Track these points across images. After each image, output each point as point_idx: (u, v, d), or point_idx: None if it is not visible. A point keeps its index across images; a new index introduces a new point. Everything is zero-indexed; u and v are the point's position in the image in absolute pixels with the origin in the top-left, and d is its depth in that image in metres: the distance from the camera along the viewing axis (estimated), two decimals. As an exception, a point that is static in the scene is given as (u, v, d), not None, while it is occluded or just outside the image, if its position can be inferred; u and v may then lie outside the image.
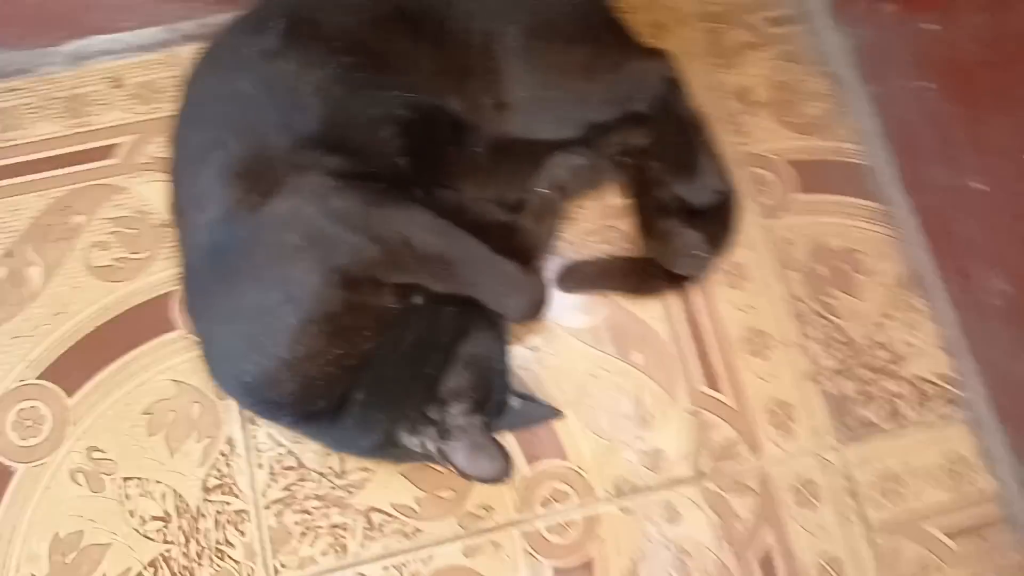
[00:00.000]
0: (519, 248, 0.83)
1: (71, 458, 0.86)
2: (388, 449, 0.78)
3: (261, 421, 0.87)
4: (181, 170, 0.82)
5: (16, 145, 0.95)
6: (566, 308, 0.91)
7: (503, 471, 0.75)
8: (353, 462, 0.86)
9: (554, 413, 0.87)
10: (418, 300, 0.77)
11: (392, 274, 0.74)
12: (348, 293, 0.72)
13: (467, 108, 0.81)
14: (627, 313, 0.91)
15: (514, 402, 0.84)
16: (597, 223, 0.94)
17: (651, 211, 0.90)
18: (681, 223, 0.87)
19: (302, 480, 0.85)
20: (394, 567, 0.84)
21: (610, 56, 0.86)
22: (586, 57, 0.83)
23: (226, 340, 0.76)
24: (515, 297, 0.79)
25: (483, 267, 0.77)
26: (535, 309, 0.81)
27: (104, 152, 0.94)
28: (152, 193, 0.92)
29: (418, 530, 0.85)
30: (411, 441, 0.77)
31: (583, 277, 0.91)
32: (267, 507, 0.85)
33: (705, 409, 0.89)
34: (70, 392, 0.87)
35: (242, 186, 0.75)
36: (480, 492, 0.86)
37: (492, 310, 0.79)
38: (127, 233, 0.92)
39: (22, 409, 0.87)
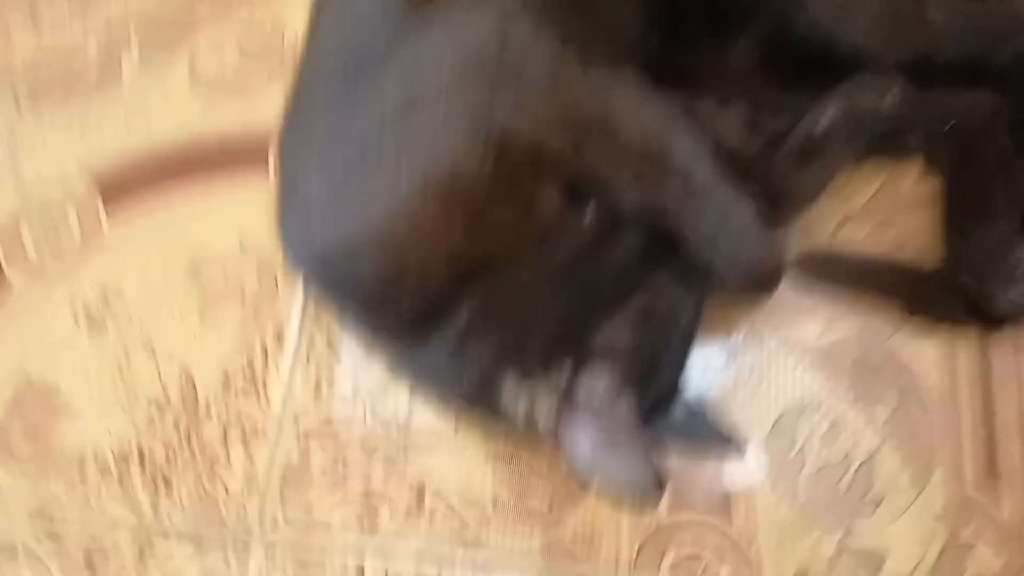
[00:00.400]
0: (762, 194, 0.57)
1: (81, 289, 0.65)
2: (478, 397, 0.52)
3: (326, 318, 0.63)
4: None
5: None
6: (795, 309, 0.61)
7: (639, 484, 0.48)
8: (427, 416, 0.61)
9: (733, 448, 0.58)
10: (588, 215, 0.51)
11: (570, 161, 0.49)
12: (497, 165, 0.47)
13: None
14: (884, 344, 0.60)
15: (680, 410, 0.56)
16: (874, 208, 0.63)
17: (971, 211, 0.59)
18: (1019, 237, 0.59)
19: (349, 416, 0.61)
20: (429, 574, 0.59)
21: None
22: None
23: (312, 181, 0.53)
24: (745, 252, 0.52)
25: (712, 196, 0.51)
26: (766, 279, 0.53)
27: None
28: (299, 8, 0.66)
29: (480, 539, 0.58)
30: (514, 393, 0.50)
31: (834, 272, 0.61)
32: (296, 437, 0.61)
33: (967, 521, 0.57)
34: (112, 212, 0.67)
35: None
36: (586, 515, 0.58)
37: (698, 262, 0.51)
38: (252, 46, 0.71)
39: (54, 217, 0.68)
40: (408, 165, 0.49)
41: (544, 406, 0.49)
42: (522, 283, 0.49)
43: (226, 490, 0.59)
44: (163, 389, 0.62)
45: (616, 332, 0.50)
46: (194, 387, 0.62)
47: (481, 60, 0.50)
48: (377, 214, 0.49)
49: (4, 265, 0.66)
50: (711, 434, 0.57)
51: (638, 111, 0.51)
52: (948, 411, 0.59)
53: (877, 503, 0.57)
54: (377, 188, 0.50)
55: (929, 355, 0.60)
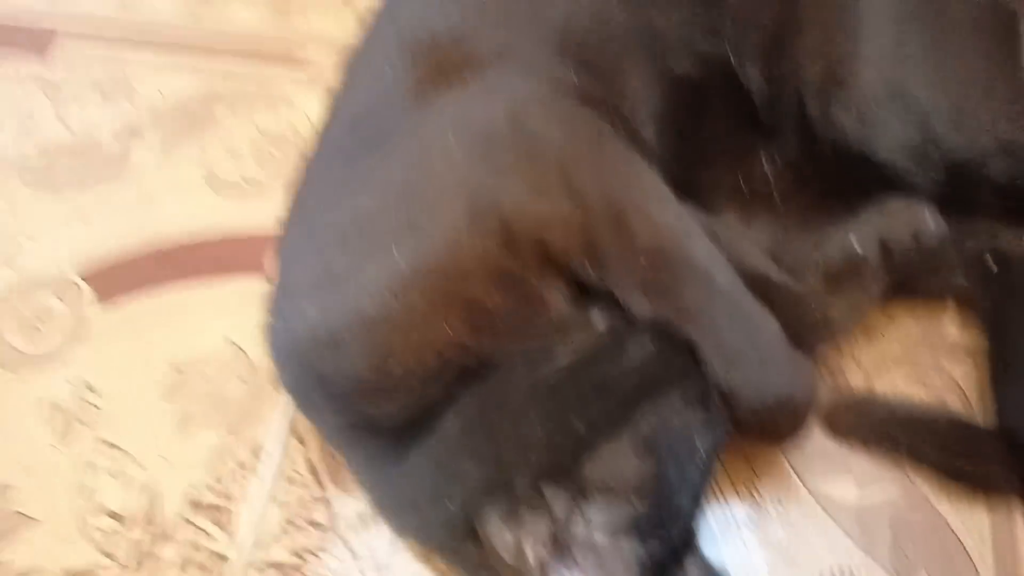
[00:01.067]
0: (789, 322, 0.52)
1: (57, 386, 0.61)
2: (460, 528, 0.45)
3: (308, 435, 0.58)
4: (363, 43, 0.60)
5: (199, 25, 0.78)
6: (828, 464, 0.55)
7: None
8: (406, 549, 0.54)
9: None
10: (596, 319, 0.47)
11: (578, 258, 0.46)
12: (498, 255, 0.44)
13: (774, 82, 0.53)
14: (928, 508, 0.53)
15: (694, 569, 0.48)
16: (913, 353, 0.58)
17: (1016, 360, 0.55)
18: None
19: (322, 549, 0.54)
20: None
21: None
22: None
23: (304, 264, 0.50)
24: (770, 375, 0.47)
25: (733, 309, 0.47)
26: (794, 413, 0.48)
27: (292, 61, 0.75)
28: (315, 113, 0.65)
29: None
30: (500, 525, 0.44)
31: (871, 422, 0.55)
32: (259, 569, 0.54)
33: None
34: (101, 305, 0.64)
35: (429, 65, 0.51)
36: None
37: (716, 386, 0.46)
38: (268, 152, 0.70)
39: (40, 305, 0.65)
40: (405, 247, 0.45)
41: (533, 543, 0.43)
42: (517, 390, 0.45)
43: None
44: (124, 502, 0.56)
45: (618, 460, 0.44)
46: (159, 501, 0.56)
47: (490, 142, 0.48)
48: (366, 298, 0.45)
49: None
50: None
51: (656, 209, 0.48)
52: (1005, 589, 0.52)
53: None
54: (369, 271, 0.46)
55: (979, 525, 0.53)
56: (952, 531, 0.53)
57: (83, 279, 0.65)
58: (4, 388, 0.61)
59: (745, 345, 0.46)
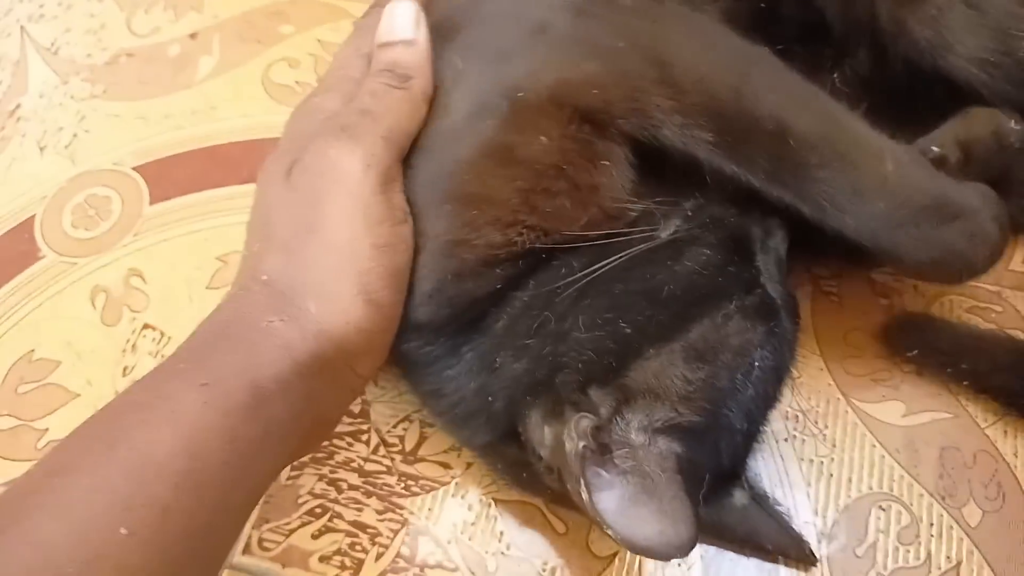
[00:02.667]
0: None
1: (104, 272, 0.63)
2: (496, 431, 0.46)
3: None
4: None
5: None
6: (876, 386, 0.54)
7: (670, 545, 0.40)
8: (441, 439, 0.54)
9: (804, 554, 0.49)
10: (661, 220, 0.46)
11: (664, 119, 0.43)
12: (559, 125, 0.43)
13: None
14: (978, 435, 0.52)
15: (739, 496, 0.48)
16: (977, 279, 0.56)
17: None
18: None
19: (355, 437, 0.55)
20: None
21: None
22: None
23: None
24: (923, 224, 0.44)
25: (834, 146, 0.44)
26: (989, 250, 0.46)
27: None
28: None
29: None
30: (539, 429, 0.43)
31: (931, 342, 0.54)
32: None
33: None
34: (155, 199, 0.66)
35: None
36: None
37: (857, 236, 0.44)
38: (326, 62, 0.71)
39: (95, 195, 0.67)
40: (470, 128, 0.45)
41: (572, 441, 0.42)
42: (567, 288, 0.44)
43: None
44: (164, 381, 0.59)
45: (667, 367, 0.43)
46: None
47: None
48: (434, 169, 0.46)
49: (40, 236, 0.65)
50: (774, 531, 0.49)
51: (705, 57, 0.46)
52: (1056, 525, 0.51)
53: (962, 624, 0.48)
54: (435, 141, 0.47)
55: (1038, 458, 0.52)
56: (1003, 459, 0.52)
57: (138, 173, 0.67)
58: (57, 272, 0.63)
59: (877, 191, 0.44)
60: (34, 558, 0.32)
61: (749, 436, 0.46)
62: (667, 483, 0.40)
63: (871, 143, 0.45)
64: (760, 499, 0.49)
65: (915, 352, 0.54)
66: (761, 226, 0.47)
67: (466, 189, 0.45)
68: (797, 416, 0.53)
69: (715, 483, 0.45)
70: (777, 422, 0.53)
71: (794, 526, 0.50)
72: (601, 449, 0.41)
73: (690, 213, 0.46)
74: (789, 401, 0.54)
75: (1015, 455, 0.52)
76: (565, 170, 0.44)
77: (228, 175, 0.67)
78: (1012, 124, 0.52)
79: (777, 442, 0.52)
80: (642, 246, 0.45)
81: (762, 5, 0.54)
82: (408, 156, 0.47)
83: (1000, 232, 0.47)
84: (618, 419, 0.42)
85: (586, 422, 0.42)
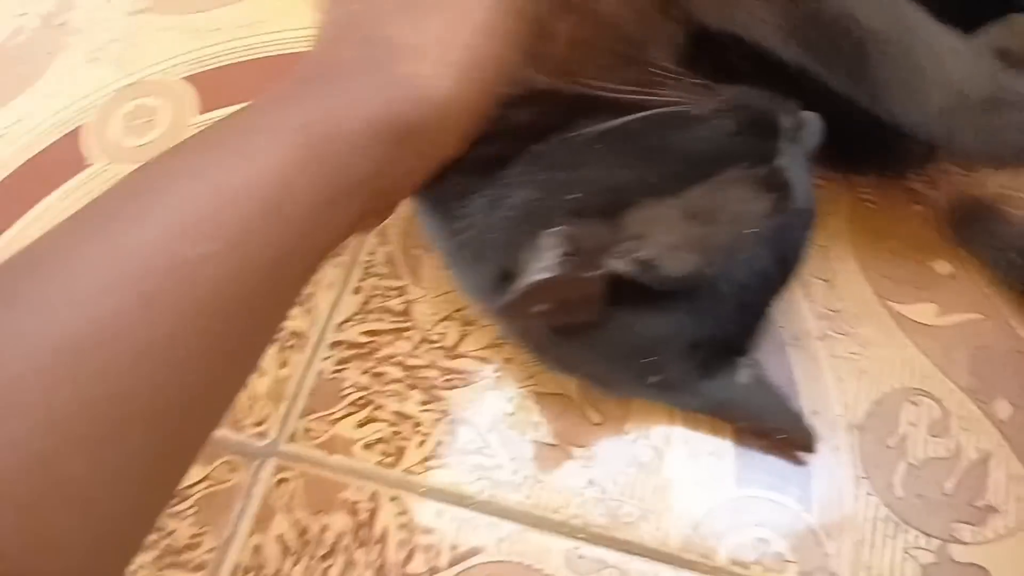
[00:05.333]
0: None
1: (155, 178, 0.67)
2: (497, 282, 0.46)
3: (390, 230, 0.61)
4: None
5: None
6: (910, 287, 0.56)
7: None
8: (481, 336, 0.57)
9: (804, 436, 0.50)
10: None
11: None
12: None
13: None
14: (1012, 335, 0.54)
15: (744, 374, 0.50)
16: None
17: None
18: None
19: (398, 334, 0.58)
20: (452, 518, 0.52)
21: None
22: None
23: None
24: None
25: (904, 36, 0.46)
26: None
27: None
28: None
29: (534, 479, 0.53)
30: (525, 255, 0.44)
31: (989, 230, 0.56)
32: (331, 346, 0.59)
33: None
34: (205, 109, 0.69)
35: None
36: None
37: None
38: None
39: (144, 104, 0.70)
40: None
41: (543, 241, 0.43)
42: (582, 135, 0.46)
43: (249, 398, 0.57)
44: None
45: (663, 220, 0.44)
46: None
47: None
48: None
49: (88, 145, 0.68)
50: (778, 410, 0.51)
51: None
52: (1087, 419, 0.52)
53: (990, 511, 0.50)
54: None
55: (1069, 353, 0.54)
56: (1043, 361, 0.54)
57: (188, 83, 0.70)
58: (107, 179, 0.66)
59: (938, 84, 0.45)
60: (120, 259, 0.32)
61: (746, 310, 0.47)
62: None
63: (935, 37, 0.46)
64: (764, 380, 0.51)
65: (972, 239, 0.55)
66: (794, 118, 0.48)
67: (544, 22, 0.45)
68: (831, 316, 0.55)
69: (716, 354, 0.48)
70: (809, 321, 0.55)
71: (826, 418, 0.52)
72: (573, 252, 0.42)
73: (722, 97, 0.48)
74: (823, 301, 0.56)
75: (1047, 355, 0.54)
76: (635, 43, 0.46)
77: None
78: None
79: (810, 340, 0.54)
80: (664, 109, 0.46)
81: None
82: None
83: None
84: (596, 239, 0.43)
85: (567, 229, 0.43)
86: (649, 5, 0.46)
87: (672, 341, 0.46)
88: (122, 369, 0.30)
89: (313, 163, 0.37)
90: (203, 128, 0.38)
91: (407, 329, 0.58)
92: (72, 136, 0.69)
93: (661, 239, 0.43)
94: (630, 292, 0.44)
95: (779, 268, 0.48)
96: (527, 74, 0.45)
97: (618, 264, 0.43)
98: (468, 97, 0.42)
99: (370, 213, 0.44)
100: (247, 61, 0.70)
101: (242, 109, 0.40)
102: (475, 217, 0.48)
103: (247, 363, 0.39)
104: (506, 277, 0.46)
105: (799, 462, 0.51)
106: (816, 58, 0.46)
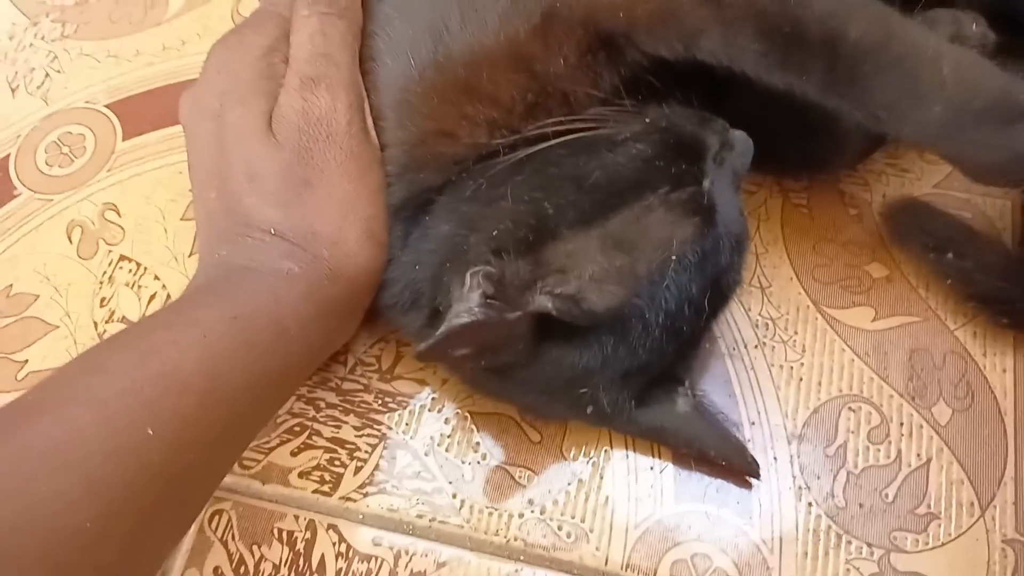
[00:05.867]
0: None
1: (80, 208, 0.64)
2: (423, 308, 0.47)
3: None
4: None
5: None
6: (845, 293, 0.55)
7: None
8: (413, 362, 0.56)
9: (746, 462, 0.50)
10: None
11: (703, 30, 0.44)
12: (535, 42, 0.45)
13: None
14: (949, 337, 0.54)
15: (683, 403, 0.49)
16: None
17: None
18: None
19: (332, 358, 0.56)
20: (391, 545, 0.51)
21: None
22: None
23: None
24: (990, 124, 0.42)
25: (892, 45, 0.43)
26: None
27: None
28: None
29: (474, 501, 0.52)
30: (448, 293, 0.43)
31: (927, 230, 0.55)
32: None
33: (1045, 554, 0.50)
34: (128, 135, 0.67)
35: None
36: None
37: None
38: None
39: (69, 133, 0.68)
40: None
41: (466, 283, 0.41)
42: (509, 159, 0.45)
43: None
44: (140, 310, 0.60)
45: (583, 251, 0.43)
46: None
47: None
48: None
49: (15, 174, 0.66)
50: (721, 441, 0.50)
51: None
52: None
53: (931, 518, 0.49)
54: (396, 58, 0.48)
55: (1005, 352, 0.53)
56: (972, 359, 0.53)
57: (111, 110, 0.68)
58: (33, 209, 0.65)
59: (936, 95, 0.42)
60: (67, 440, 0.34)
61: (678, 337, 0.46)
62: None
63: (926, 46, 0.43)
64: (704, 408, 0.50)
65: (909, 236, 0.55)
66: (721, 138, 0.48)
67: (474, 83, 0.46)
68: (767, 324, 0.55)
69: (651, 384, 0.47)
70: (747, 330, 0.55)
71: (764, 429, 0.52)
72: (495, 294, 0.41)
73: (648, 120, 0.47)
74: (759, 309, 0.55)
75: (984, 355, 0.53)
76: (567, 92, 0.46)
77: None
78: (973, 27, 0.52)
79: (747, 348, 0.54)
80: (582, 134, 0.46)
81: None
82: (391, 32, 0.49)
83: None
84: (518, 277, 0.42)
85: (488, 269, 0.42)
86: (600, 62, 0.46)
87: (603, 372, 0.45)
88: (62, 550, 0.33)
89: (250, 354, 0.41)
90: (145, 318, 0.44)
91: (341, 352, 0.57)
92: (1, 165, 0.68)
93: (584, 272, 0.43)
94: (558, 326, 0.43)
95: (709, 295, 0.46)
96: (475, 135, 0.46)
97: (542, 303, 0.42)
98: (373, 256, 0.47)
99: (320, 365, 0.52)
100: (168, 86, 0.69)
101: (181, 299, 0.44)
102: (399, 253, 0.48)
103: (183, 523, 0.43)
104: (434, 315, 0.45)
105: (744, 485, 0.51)
106: (809, 82, 0.44)
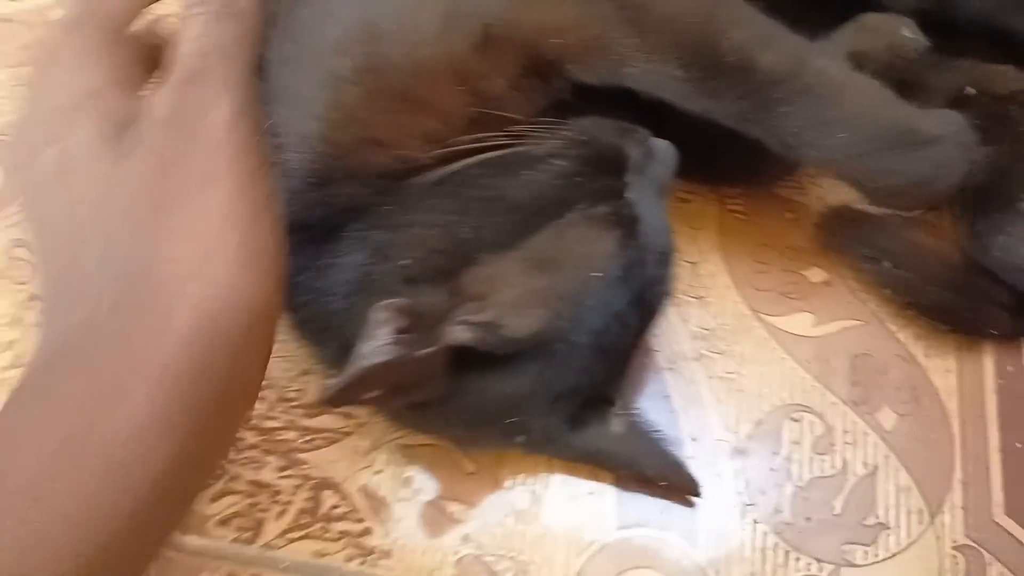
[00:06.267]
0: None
1: (-14, 243, 0.62)
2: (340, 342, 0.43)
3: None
4: None
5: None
6: (784, 299, 0.53)
7: None
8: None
9: (684, 480, 0.47)
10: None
11: (629, 57, 0.44)
12: (471, 59, 0.43)
13: None
14: (891, 341, 0.52)
15: (617, 423, 0.47)
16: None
17: (992, 191, 0.52)
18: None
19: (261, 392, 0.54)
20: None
21: None
22: None
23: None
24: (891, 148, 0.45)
25: (807, 75, 0.45)
26: (954, 177, 0.46)
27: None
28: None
29: (406, 541, 0.49)
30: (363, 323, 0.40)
31: (861, 235, 0.54)
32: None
33: (994, 553, 0.47)
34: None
35: None
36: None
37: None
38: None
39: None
40: (355, 54, 0.43)
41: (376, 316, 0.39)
42: (424, 181, 0.43)
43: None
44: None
45: (499, 273, 0.41)
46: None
47: None
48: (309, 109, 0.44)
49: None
50: (659, 460, 0.48)
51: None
52: (971, 421, 0.50)
53: (880, 528, 0.48)
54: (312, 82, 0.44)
55: (947, 353, 0.52)
56: (916, 362, 0.52)
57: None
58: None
59: (841, 122, 0.44)
60: None
61: (607, 356, 0.44)
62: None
63: (833, 75, 0.46)
64: (640, 427, 0.48)
65: (846, 245, 0.53)
66: (643, 149, 0.46)
67: (415, 92, 0.43)
68: (705, 335, 0.53)
69: (584, 406, 0.45)
70: (685, 343, 0.53)
71: (706, 445, 0.50)
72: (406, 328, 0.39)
73: (568, 134, 0.45)
74: (697, 320, 0.53)
75: (927, 357, 0.52)
76: (505, 112, 0.44)
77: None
78: (907, 33, 0.51)
79: (686, 362, 0.52)
80: (498, 152, 0.44)
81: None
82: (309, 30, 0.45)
83: (966, 159, 0.47)
84: (432, 308, 0.40)
85: (399, 302, 0.40)
86: (531, 85, 0.44)
87: (532, 399, 0.43)
88: None
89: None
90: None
91: (261, 388, 0.54)
92: None
93: (504, 297, 0.40)
94: (479, 355, 0.41)
95: (637, 309, 0.44)
96: (408, 146, 0.43)
97: (457, 334, 0.40)
98: (258, 284, 0.36)
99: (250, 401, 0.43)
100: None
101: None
102: (312, 287, 0.44)
103: None
104: (344, 351, 0.41)
105: (687, 504, 0.49)
106: (725, 109, 0.44)
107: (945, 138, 0.46)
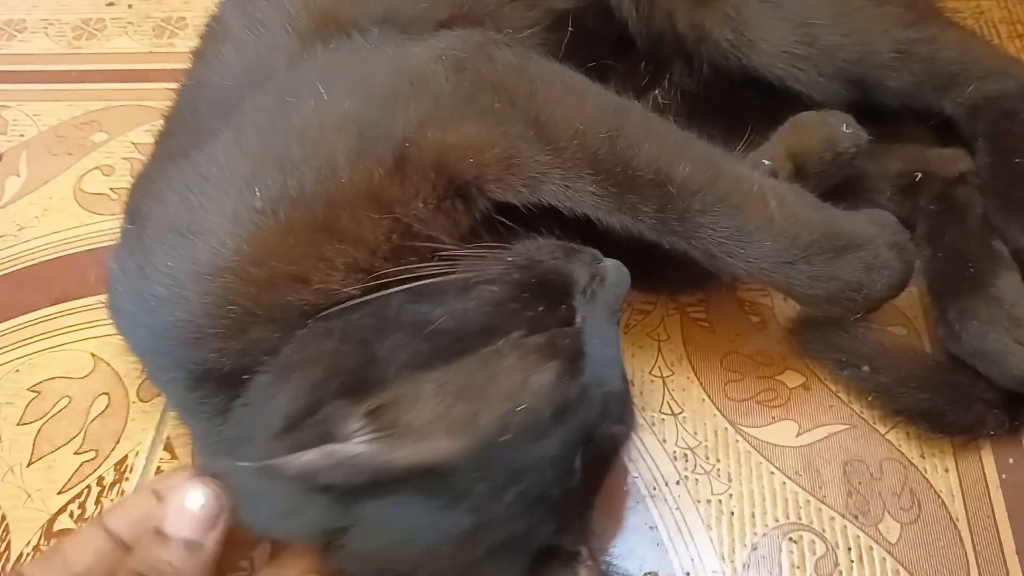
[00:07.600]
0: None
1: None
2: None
3: (179, 447, 0.52)
4: None
5: (80, 54, 0.78)
6: (763, 411, 0.50)
7: None
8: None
9: None
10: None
11: (544, 175, 0.43)
12: (386, 183, 0.41)
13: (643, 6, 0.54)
14: (884, 443, 0.49)
15: (586, 572, 0.40)
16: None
17: (961, 276, 0.50)
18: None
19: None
20: None
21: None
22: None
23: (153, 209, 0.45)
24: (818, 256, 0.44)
25: (724, 187, 0.44)
26: (890, 278, 0.45)
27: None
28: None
29: None
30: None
31: (836, 343, 0.51)
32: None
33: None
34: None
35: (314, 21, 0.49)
36: None
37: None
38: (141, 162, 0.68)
39: None
40: (269, 185, 0.41)
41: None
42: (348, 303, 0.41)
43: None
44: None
45: (412, 395, 0.37)
46: (8, 531, 0.51)
47: (396, 80, 0.45)
48: (216, 244, 0.41)
49: None
50: None
51: (583, 108, 0.45)
52: (980, 523, 0.46)
53: (901, 654, 0.43)
54: (223, 216, 0.42)
55: (943, 451, 0.48)
56: (911, 463, 0.48)
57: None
58: None
59: (764, 230, 0.43)
60: None
61: (539, 499, 0.38)
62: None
63: (751, 183, 0.45)
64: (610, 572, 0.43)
65: (821, 352, 0.51)
66: (591, 270, 0.43)
67: (334, 223, 0.41)
68: (686, 455, 0.49)
69: (541, 559, 0.39)
70: (665, 465, 0.49)
71: (701, 577, 0.45)
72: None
73: (509, 258, 0.43)
74: (675, 439, 0.50)
75: (922, 457, 0.48)
76: (432, 235, 0.42)
77: (38, 296, 0.61)
78: (844, 129, 0.51)
79: (668, 486, 0.48)
80: (431, 280, 0.41)
81: (571, 29, 0.53)
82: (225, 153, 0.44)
83: (901, 258, 0.46)
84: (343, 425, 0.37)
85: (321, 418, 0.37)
86: (455, 208, 0.43)
87: (441, 540, 0.37)
88: None
89: None
90: None
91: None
92: None
93: (407, 419, 0.36)
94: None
95: (583, 450, 0.39)
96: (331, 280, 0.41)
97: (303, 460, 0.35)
98: None
99: None
100: (1, 277, 0.62)
101: None
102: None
103: None
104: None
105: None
106: (644, 223, 0.43)
107: (875, 239, 0.45)
